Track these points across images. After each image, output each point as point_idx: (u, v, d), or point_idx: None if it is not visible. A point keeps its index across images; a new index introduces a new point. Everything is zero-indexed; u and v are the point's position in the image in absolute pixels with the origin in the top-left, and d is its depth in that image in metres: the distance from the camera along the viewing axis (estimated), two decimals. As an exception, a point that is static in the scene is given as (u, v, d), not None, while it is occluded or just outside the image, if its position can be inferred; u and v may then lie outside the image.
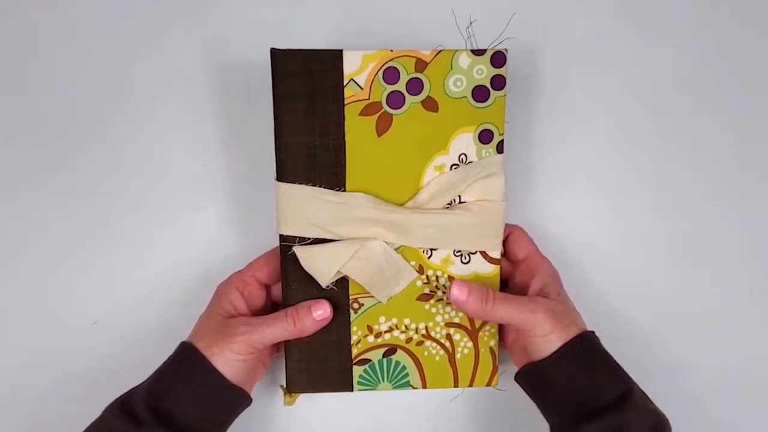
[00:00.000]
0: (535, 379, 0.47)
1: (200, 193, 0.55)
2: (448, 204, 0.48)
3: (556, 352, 0.45)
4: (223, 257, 0.55)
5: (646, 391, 0.47)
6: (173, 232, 0.55)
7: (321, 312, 0.47)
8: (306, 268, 0.47)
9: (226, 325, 0.47)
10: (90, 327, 0.55)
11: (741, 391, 0.57)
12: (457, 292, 0.46)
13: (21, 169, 0.54)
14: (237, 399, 0.47)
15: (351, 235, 0.47)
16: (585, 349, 0.46)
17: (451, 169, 0.47)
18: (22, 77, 0.54)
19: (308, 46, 0.46)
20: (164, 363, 0.47)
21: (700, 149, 0.55)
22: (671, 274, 0.56)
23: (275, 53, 0.45)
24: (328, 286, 0.48)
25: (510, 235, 0.51)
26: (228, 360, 0.45)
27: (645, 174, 0.56)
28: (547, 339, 0.46)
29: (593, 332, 0.48)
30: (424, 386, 0.51)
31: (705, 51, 0.55)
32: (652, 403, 0.46)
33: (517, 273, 0.51)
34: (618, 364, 0.47)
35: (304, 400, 0.55)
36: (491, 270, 0.49)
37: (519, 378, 0.49)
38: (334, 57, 0.45)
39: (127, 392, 0.47)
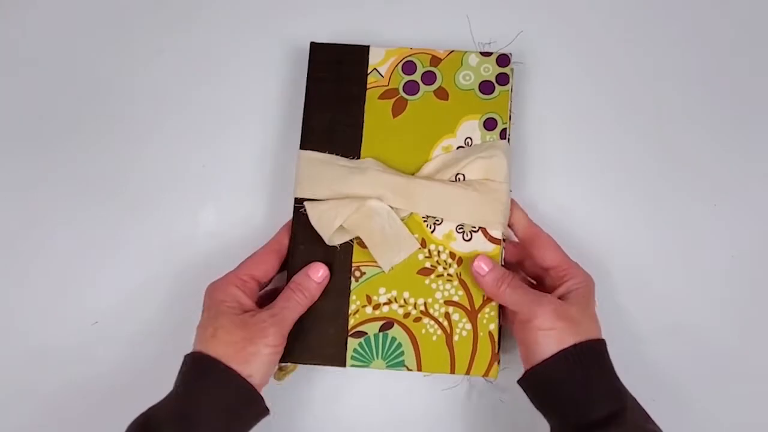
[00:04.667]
0: (535, 383, 0.46)
1: (200, 192, 0.56)
2: (452, 179, 0.51)
3: (555, 355, 0.45)
4: (223, 257, 0.54)
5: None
6: (173, 231, 0.56)
7: (321, 273, 0.49)
8: (313, 222, 0.50)
9: (248, 324, 0.45)
10: (90, 327, 0.55)
11: (738, 393, 0.54)
12: (478, 264, 0.48)
13: (22, 171, 0.56)
14: (261, 409, 0.45)
15: (359, 195, 0.50)
16: (584, 357, 0.45)
17: (457, 149, 0.52)
18: (22, 79, 0.57)
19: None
20: (184, 380, 0.44)
21: (700, 149, 0.57)
22: (670, 274, 0.56)
23: (314, 46, 0.54)
24: (333, 246, 0.50)
25: (536, 240, 0.51)
26: (264, 356, 0.44)
27: (644, 174, 0.57)
28: (546, 333, 0.45)
29: (601, 341, 0.47)
30: (419, 368, 0.49)
31: (702, 53, 0.58)
32: (650, 422, 0.44)
33: (547, 278, 0.51)
34: (616, 380, 0.45)
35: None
36: (492, 249, 0.50)
37: (521, 382, 0.47)
38: (362, 50, 0.53)
39: (144, 414, 0.44)
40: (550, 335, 0.45)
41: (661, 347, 0.54)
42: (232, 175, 0.57)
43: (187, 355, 0.45)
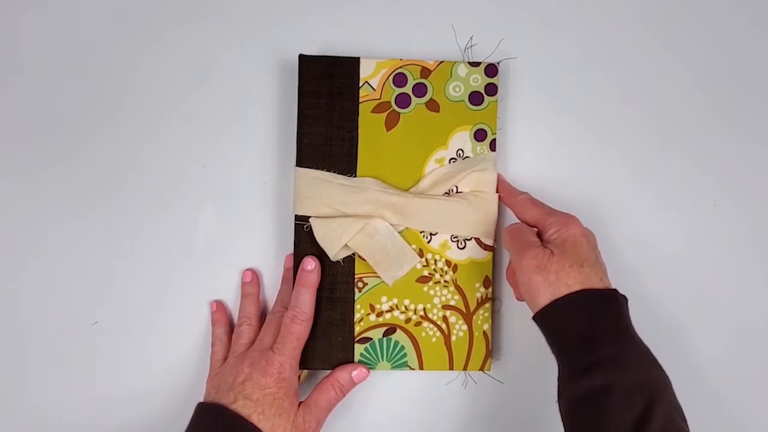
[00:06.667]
0: (545, 321, 0.47)
1: (200, 193, 0.56)
2: (447, 193, 0.54)
3: (561, 298, 0.45)
4: (224, 257, 0.57)
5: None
6: (173, 232, 0.56)
7: (357, 373, 0.53)
8: (318, 239, 0.52)
9: (296, 420, 0.50)
10: (90, 327, 0.56)
11: (741, 393, 0.58)
12: None
13: (21, 171, 0.56)
14: None
15: (359, 214, 0.52)
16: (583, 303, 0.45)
17: (449, 162, 0.54)
18: (21, 79, 0.56)
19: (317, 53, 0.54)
20: None
21: (700, 150, 0.58)
22: (671, 274, 0.58)
23: (302, 58, 0.53)
24: (336, 261, 0.53)
25: (514, 207, 0.52)
26: None
27: (647, 176, 0.58)
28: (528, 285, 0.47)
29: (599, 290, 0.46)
30: (421, 367, 0.54)
31: (702, 52, 0.58)
32: (656, 368, 0.46)
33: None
34: (622, 325, 0.46)
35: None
36: (485, 256, 0.54)
37: (535, 318, 0.48)
38: (353, 63, 0.54)
39: None
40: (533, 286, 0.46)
41: (663, 346, 0.56)
42: (232, 176, 0.57)
43: (241, 425, 0.48)
